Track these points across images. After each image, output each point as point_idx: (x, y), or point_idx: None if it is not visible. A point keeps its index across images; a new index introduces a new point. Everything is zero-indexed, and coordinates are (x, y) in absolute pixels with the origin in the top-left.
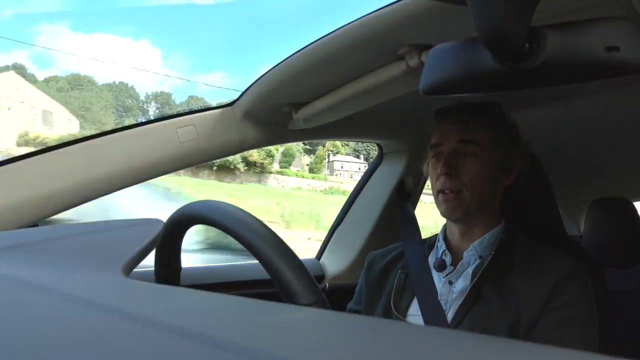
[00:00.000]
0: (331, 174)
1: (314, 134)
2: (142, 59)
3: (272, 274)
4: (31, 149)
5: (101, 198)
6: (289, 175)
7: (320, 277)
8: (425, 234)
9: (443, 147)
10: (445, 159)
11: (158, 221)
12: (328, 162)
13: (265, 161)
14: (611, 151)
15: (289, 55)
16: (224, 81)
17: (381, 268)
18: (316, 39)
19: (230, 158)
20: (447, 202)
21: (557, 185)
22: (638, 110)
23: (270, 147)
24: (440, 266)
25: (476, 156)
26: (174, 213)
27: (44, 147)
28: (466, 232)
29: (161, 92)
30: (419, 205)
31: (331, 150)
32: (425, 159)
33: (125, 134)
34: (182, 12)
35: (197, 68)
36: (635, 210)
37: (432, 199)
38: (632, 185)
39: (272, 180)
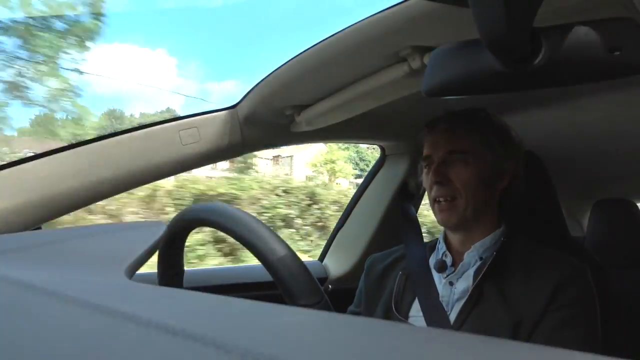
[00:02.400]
0: None
1: (317, 136)
2: (160, 70)
3: (274, 275)
4: None
5: None
6: None
7: (323, 279)
8: None
9: (433, 158)
10: (435, 168)
11: (161, 224)
12: None
13: None
14: (614, 152)
15: (291, 57)
16: (237, 88)
17: (381, 270)
18: (318, 41)
19: None
20: (442, 212)
21: (560, 186)
22: None
23: None
24: (441, 267)
25: (466, 162)
26: (177, 215)
27: None
28: (466, 239)
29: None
30: None
31: None
32: (421, 170)
33: (128, 137)
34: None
35: (211, 77)
36: (638, 211)
37: None
38: (635, 186)
39: None
